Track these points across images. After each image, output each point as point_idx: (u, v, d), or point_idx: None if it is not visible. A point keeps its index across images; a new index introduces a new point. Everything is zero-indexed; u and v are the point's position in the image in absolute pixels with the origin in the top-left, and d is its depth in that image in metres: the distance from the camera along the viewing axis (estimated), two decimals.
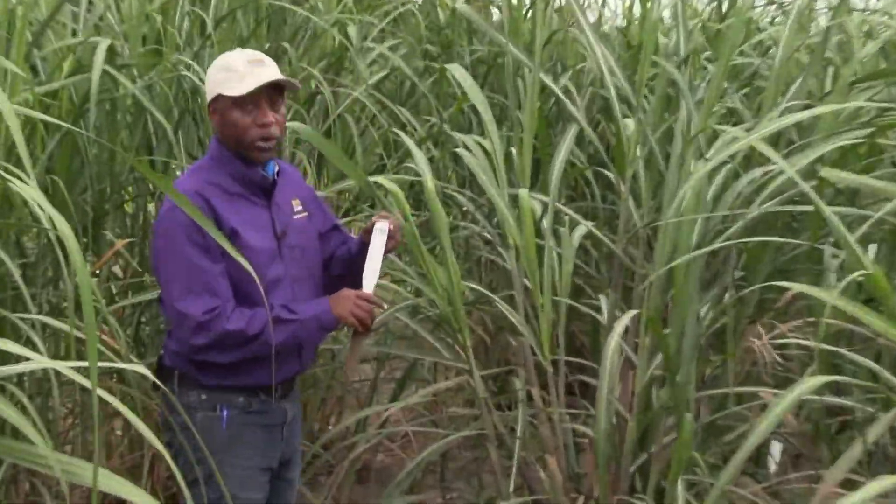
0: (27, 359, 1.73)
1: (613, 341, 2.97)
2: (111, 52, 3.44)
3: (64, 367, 1.64)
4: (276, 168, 2.70)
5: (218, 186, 2.59)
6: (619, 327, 2.98)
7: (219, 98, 2.58)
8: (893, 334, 2.18)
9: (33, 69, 3.45)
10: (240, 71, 2.56)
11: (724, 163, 3.02)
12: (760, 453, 3.32)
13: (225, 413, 2.61)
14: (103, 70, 3.30)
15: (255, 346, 2.51)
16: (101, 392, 1.64)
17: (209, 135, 3.83)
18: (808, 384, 2.28)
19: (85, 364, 1.63)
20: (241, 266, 2.11)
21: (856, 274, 2.26)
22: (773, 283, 2.84)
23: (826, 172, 2.73)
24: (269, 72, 2.59)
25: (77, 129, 2.62)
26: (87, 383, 1.57)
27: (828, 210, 2.35)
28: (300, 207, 2.76)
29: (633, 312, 3.07)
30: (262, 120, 2.56)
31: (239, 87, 2.54)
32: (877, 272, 2.19)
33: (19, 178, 2.57)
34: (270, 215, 2.66)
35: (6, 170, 2.74)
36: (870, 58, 3.63)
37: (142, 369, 1.78)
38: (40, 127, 3.28)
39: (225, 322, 2.50)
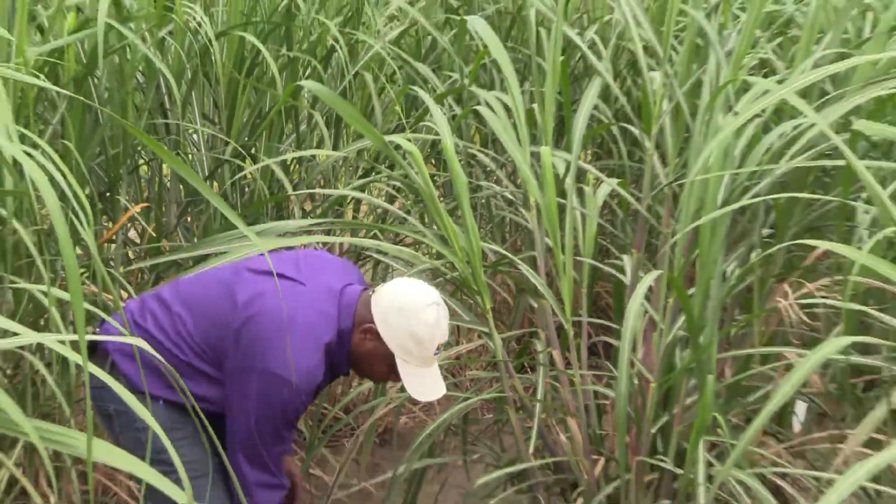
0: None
1: (636, 302, 2.99)
2: (119, 7, 3.45)
3: (50, 338, 1.64)
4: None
5: (325, 369, 2.65)
6: (643, 288, 2.99)
7: (391, 355, 2.64)
8: None
9: (40, 29, 3.48)
10: (427, 356, 2.64)
11: (753, 116, 3.02)
12: (784, 413, 3.34)
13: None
14: (111, 27, 3.32)
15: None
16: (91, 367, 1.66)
17: (227, 99, 3.87)
18: (834, 344, 2.30)
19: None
20: None
21: (887, 230, 2.28)
22: (802, 241, 2.85)
23: (860, 125, 2.73)
24: (438, 379, 2.73)
25: (79, 97, 2.65)
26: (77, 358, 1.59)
27: (860, 164, 2.35)
28: None
29: (657, 273, 3.09)
30: (393, 381, 2.76)
31: (410, 376, 2.65)
32: None
33: (34, 144, 2.63)
34: None
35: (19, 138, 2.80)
36: None
37: (140, 342, 1.80)
38: (49, 91, 3.32)
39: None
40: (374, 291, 2.69)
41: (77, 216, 2.12)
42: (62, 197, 1.93)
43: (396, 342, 2.61)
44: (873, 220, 2.97)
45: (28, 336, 1.69)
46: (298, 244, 3.57)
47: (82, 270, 3.61)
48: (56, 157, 2.25)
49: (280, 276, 2.58)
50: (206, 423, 2.10)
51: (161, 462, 2.45)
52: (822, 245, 2.49)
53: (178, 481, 1.76)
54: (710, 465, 2.86)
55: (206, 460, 2.60)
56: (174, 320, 2.63)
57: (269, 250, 2.64)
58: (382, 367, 2.66)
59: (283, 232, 3.33)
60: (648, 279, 3.03)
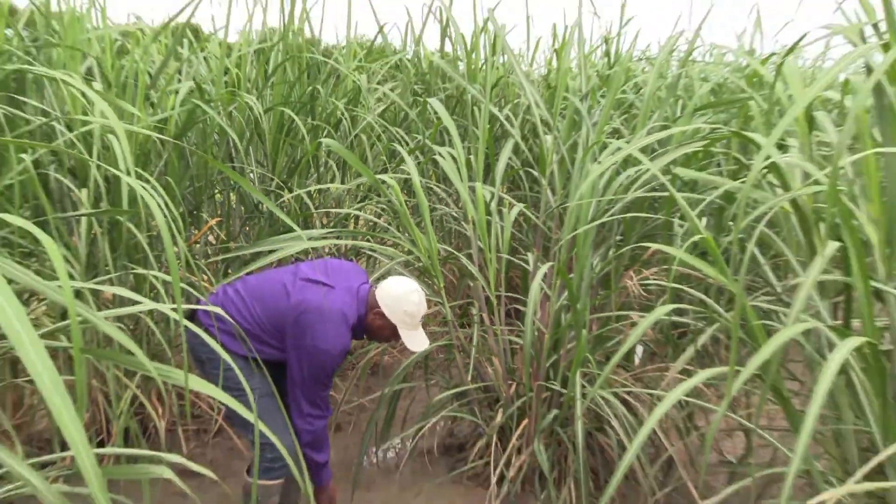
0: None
1: (536, 283, 3.01)
2: (202, 92, 3.43)
3: (162, 307, 1.63)
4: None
5: (350, 340, 2.64)
6: (540, 273, 3.02)
7: (394, 325, 2.65)
8: (718, 277, 2.23)
9: (152, 104, 3.44)
10: (416, 323, 2.65)
11: (610, 164, 3.04)
12: (630, 353, 3.38)
13: None
14: (197, 105, 3.31)
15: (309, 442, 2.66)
16: (185, 322, 1.65)
17: (272, 151, 3.84)
18: (661, 309, 2.32)
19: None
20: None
21: (694, 237, 2.30)
22: (641, 243, 2.88)
23: (677, 170, 2.76)
24: (424, 336, 2.71)
25: (180, 143, 2.64)
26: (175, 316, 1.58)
27: (677, 195, 2.37)
28: None
29: (549, 264, 3.11)
30: (393, 343, 2.75)
31: (407, 336, 2.65)
32: (708, 236, 2.22)
33: (146, 179, 2.58)
34: None
35: (137, 175, 2.77)
36: (705, 94, 3.65)
37: (217, 310, 1.79)
38: (157, 144, 3.27)
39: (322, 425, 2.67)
40: (377, 287, 2.69)
41: (174, 226, 2.09)
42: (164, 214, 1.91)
43: (397, 317, 2.63)
44: (686, 231, 3.00)
45: (147, 304, 1.66)
46: (321, 245, 3.54)
47: (178, 262, 3.58)
48: (160, 188, 2.23)
49: (318, 282, 2.63)
50: (263, 366, 2.13)
51: (236, 389, 2.45)
52: (654, 246, 2.51)
53: (246, 402, 1.77)
54: (583, 386, 2.88)
55: (261, 386, 2.60)
56: (249, 309, 2.63)
57: (300, 251, 2.63)
58: (388, 333, 2.67)
59: (310, 237, 3.30)
60: (544, 268, 3.05)
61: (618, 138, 3.62)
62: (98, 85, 3.04)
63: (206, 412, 3.63)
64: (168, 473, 1.54)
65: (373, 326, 2.68)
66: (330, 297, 2.59)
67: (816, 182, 2.22)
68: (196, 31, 5.61)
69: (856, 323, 2.10)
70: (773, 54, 3.58)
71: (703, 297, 2.61)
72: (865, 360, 1.95)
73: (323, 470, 2.76)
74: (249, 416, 1.66)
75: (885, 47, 2.05)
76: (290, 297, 2.60)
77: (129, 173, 2.44)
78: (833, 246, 1.95)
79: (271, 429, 2.58)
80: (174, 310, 1.73)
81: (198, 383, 1.63)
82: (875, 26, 2.20)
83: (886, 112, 2.12)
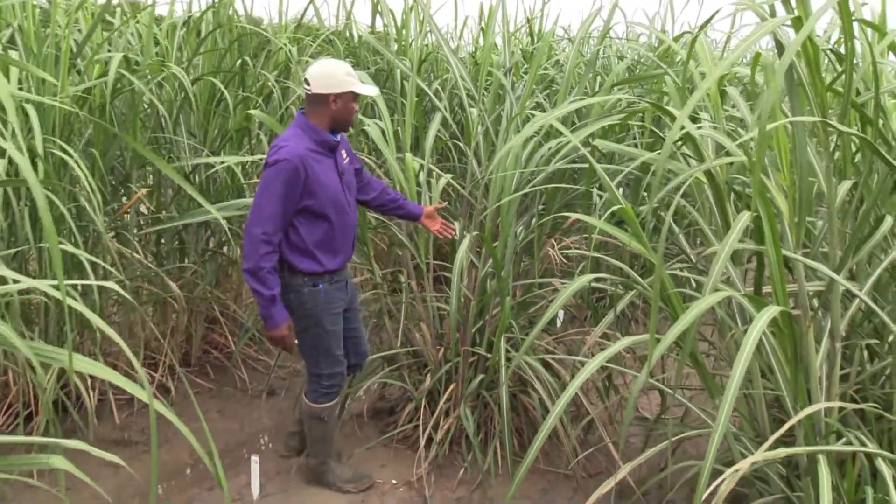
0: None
1: (462, 250, 2.87)
2: (129, 62, 3.12)
3: (41, 284, 1.36)
4: (339, 136, 2.64)
5: (309, 149, 2.50)
6: (466, 242, 2.88)
7: (349, 92, 2.53)
8: (635, 245, 2.12)
9: (79, 73, 3.11)
10: (355, 79, 2.54)
11: (532, 136, 2.91)
12: (552, 318, 3.28)
13: (321, 286, 2.57)
14: (125, 73, 3.01)
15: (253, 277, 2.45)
16: (70, 302, 1.39)
17: (203, 121, 3.54)
18: (584, 278, 2.22)
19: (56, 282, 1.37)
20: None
21: (613, 207, 2.19)
22: (562, 213, 2.77)
23: (596, 142, 2.65)
24: (370, 87, 2.62)
25: (105, 114, 2.35)
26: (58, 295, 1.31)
27: (597, 166, 2.28)
28: (346, 157, 2.69)
29: (475, 233, 2.97)
30: (356, 108, 2.60)
31: (362, 89, 2.55)
32: (626, 206, 2.12)
33: (68, 153, 2.30)
34: (334, 163, 2.59)
35: (61, 148, 2.47)
36: (622, 71, 3.53)
37: (112, 285, 1.53)
38: (80, 115, 2.96)
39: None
40: (307, 86, 2.55)
41: (94, 197, 1.84)
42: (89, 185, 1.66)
43: (346, 83, 2.52)
44: (605, 201, 2.89)
45: (26, 282, 1.40)
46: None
47: (111, 234, 3.29)
48: (80, 160, 1.97)
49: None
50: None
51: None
52: (574, 216, 2.39)
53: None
54: (508, 351, 2.76)
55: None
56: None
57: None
58: (349, 103, 2.55)
59: (242, 206, 3.08)
60: (470, 236, 2.91)
61: (541, 112, 3.48)
62: (18, 54, 2.70)
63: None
64: (60, 464, 1.30)
65: (338, 111, 2.55)
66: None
67: (729, 154, 2.12)
68: (134, 5, 5.19)
69: (766, 289, 2.01)
70: (684, 33, 3.48)
71: (622, 265, 2.50)
72: (777, 325, 1.86)
73: (269, 306, 2.47)
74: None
75: (797, 21, 1.93)
76: None
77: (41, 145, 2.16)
78: (747, 216, 1.84)
79: (337, 357, 2.63)
80: (56, 287, 1.47)
81: (83, 364, 1.37)
82: (786, 2, 2.08)
83: (796, 87, 2.02)
